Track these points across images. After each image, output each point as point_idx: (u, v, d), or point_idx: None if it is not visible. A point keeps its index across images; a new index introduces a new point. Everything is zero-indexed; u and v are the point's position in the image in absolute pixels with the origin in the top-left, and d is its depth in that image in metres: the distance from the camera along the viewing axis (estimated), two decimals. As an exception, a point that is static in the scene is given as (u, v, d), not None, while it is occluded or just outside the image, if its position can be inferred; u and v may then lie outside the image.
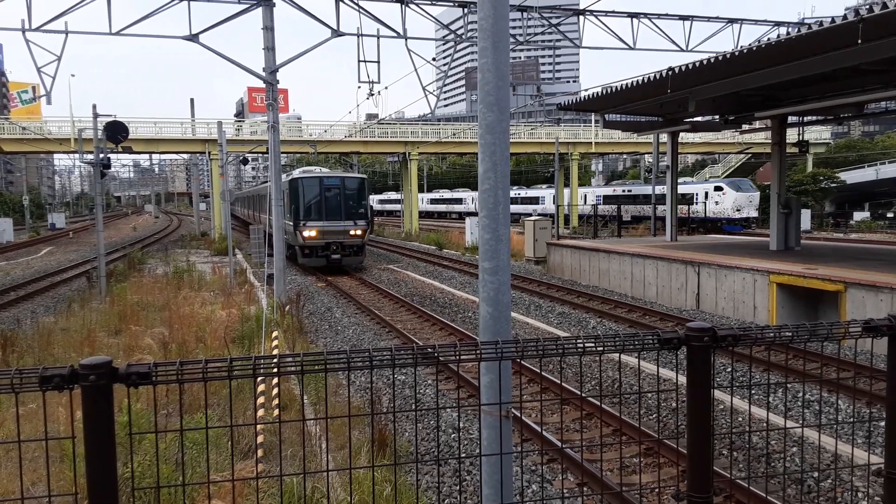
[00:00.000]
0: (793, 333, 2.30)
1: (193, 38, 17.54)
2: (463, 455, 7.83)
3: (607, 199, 52.02)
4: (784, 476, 2.39)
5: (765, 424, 7.59)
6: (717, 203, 43.33)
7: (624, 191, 52.04)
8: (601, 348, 2.33)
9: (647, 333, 2.35)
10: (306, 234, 25.03)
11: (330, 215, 25.35)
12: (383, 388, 10.51)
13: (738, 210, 42.77)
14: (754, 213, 43.55)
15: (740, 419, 8.38)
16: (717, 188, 44.13)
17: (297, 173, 26.83)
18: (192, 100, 60.44)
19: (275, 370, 1.98)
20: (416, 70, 21.24)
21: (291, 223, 24.75)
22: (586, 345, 2.33)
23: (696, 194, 45.02)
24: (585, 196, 55.78)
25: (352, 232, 25.50)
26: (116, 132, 19.39)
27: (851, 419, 8.19)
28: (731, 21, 23.96)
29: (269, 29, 17.26)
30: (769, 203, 21.79)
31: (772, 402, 9.47)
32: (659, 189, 47.14)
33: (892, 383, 2.54)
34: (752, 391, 9.77)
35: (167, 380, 2.07)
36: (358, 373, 10.84)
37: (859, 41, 11.78)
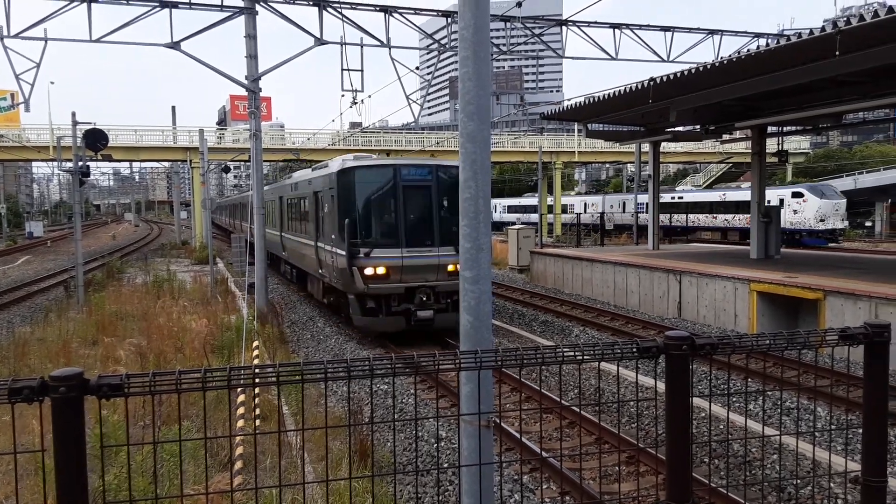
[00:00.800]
0: (770, 342, 2.31)
1: (175, 45, 17.44)
2: (444, 465, 7.80)
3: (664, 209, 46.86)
4: (763, 483, 2.41)
5: (744, 432, 7.63)
6: (795, 212, 37.06)
7: (677, 198, 46.64)
8: (581, 357, 2.33)
9: (627, 342, 2.35)
10: (370, 271, 13.78)
11: (413, 238, 14.11)
12: (366, 398, 10.44)
13: (821, 220, 36.39)
14: (841, 224, 37.62)
15: (720, 427, 8.42)
16: (797, 194, 37.71)
17: (343, 162, 14.90)
18: (173, 107, 60.10)
19: (250, 381, 1.95)
20: (399, 79, 21.28)
21: (343, 252, 13.95)
22: (566, 354, 2.32)
23: (768, 202, 38.95)
24: (623, 203, 49.16)
25: (451, 267, 13.95)
26: (96, 140, 19.20)
27: (829, 426, 8.26)
28: (712, 32, 24.29)
29: (251, 37, 17.22)
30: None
31: (751, 409, 9.53)
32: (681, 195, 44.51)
33: (869, 391, 2.56)
34: (732, 398, 9.83)
35: (140, 391, 2.03)
36: (342, 382, 10.77)
37: (837, 53, 11.97)
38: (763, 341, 2.34)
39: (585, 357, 2.33)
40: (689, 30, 24.07)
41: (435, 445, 8.52)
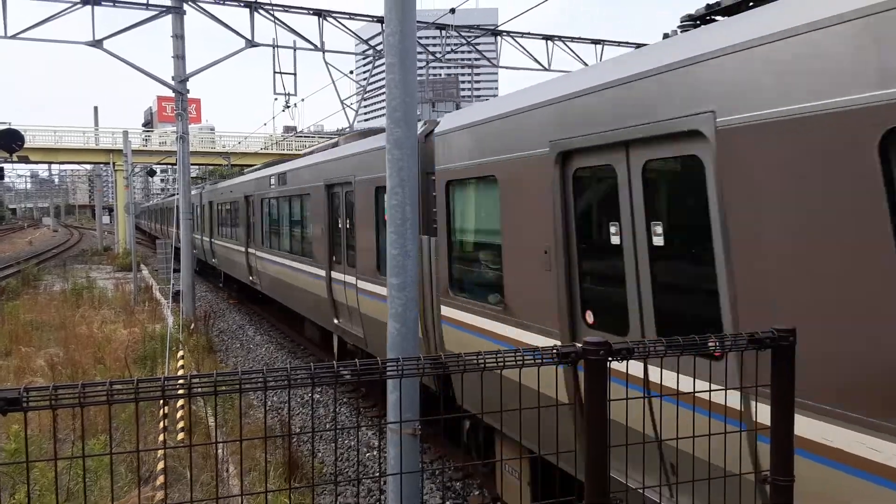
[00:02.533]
0: (682, 346, 2.39)
1: (97, 44, 16.76)
2: (376, 475, 7.73)
3: None
4: (677, 484, 2.50)
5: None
6: None
7: None
8: (502, 363, 2.34)
9: (547, 348, 2.38)
10: None
11: None
12: (296, 408, 10.26)
13: None
14: None
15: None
16: None
17: None
18: (95, 108, 57.68)
19: (158, 394, 1.88)
20: (333, 83, 21.10)
21: None
22: (487, 361, 2.33)
23: None
24: None
25: None
26: (11, 140, 18.28)
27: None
28: (640, 46, 25.08)
29: (179, 37, 16.74)
30: None
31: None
32: None
33: (776, 393, 2.68)
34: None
35: (40, 406, 1.92)
36: (279, 392, 10.56)
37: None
38: (676, 345, 2.42)
39: (507, 363, 2.35)
40: (619, 43, 24.80)
41: (367, 454, 8.45)
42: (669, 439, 2.70)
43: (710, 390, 2.74)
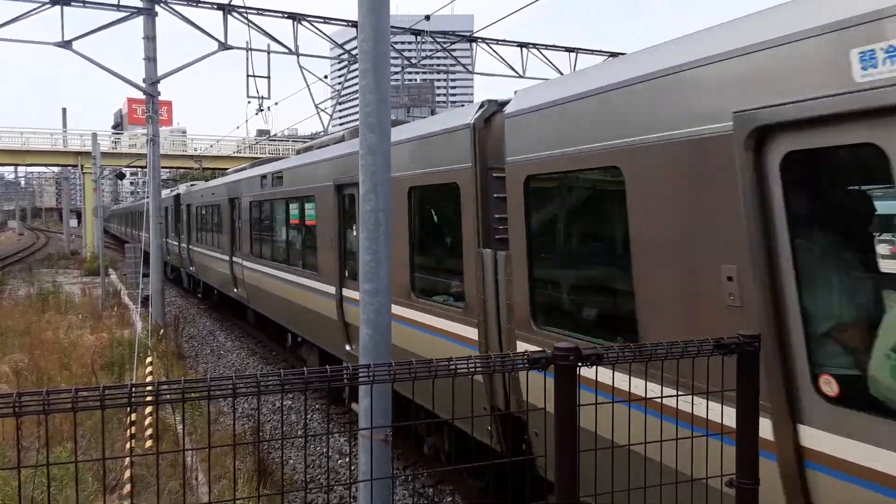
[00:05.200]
0: (650, 352, 2.43)
1: (66, 44, 16.49)
2: (347, 482, 7.69)
3: None
4: (645, 489, 2.55)
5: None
6: None
7: None
8: (473, 369, 2.36)
9: (518, 354, 2.40)
10: None
11: None
12: (267, 415, 10.17)
13: None
14: None
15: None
16: None
17: None
18: (63, 109, 56.72)
19: (126, 401, 1.85)
20: (308, 87, 21.00)
21: None
22: (458, 367, 2.35)
23: None
24: None
25: None
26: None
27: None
28: (613, 55, 25.41)
29: (150, 39, 16.52)
30: None
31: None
32: None
33: (742, 398, 2.73)
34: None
35: (3, 413, 1.89)
36: (251, 399, 10.45)
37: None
38: (645, 351, 2.45)
39: (478, 369, 2.36)
40: (592, 51, 25.07)
41: (339, 461, 8.40)
42: (637, 444, 2.72)
43: (676, 395, 2.79)
